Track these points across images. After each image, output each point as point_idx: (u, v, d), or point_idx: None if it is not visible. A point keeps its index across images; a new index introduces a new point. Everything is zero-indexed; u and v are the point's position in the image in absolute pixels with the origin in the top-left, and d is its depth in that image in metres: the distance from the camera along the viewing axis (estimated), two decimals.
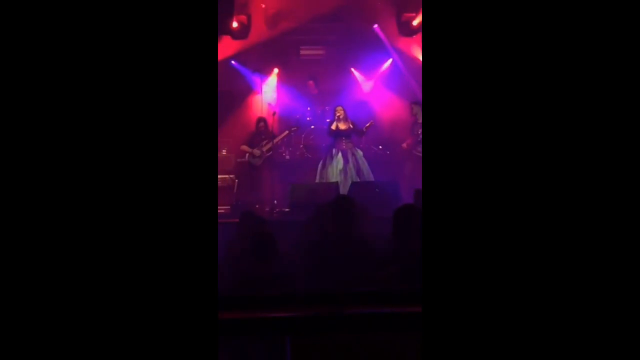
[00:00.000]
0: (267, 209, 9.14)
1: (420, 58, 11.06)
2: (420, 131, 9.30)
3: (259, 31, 10.80)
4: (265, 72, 11.24)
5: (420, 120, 9.51)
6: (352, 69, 11.32)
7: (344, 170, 9.17)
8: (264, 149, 9.98)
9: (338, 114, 9.31)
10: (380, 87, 11.34)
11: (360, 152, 9.43)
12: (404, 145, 9.78)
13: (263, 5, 10.83)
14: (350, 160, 9.25)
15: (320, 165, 9.46)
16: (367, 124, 9.31)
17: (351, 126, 9.35)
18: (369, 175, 9.22)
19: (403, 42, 11.07)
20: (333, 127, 9.29)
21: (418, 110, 9.50)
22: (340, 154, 9.27)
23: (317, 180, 9.35)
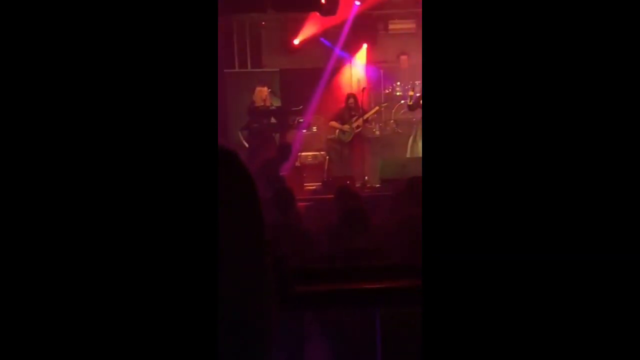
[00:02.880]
0: (357, 185, 9.17)
1: None
2: None
3: (348, 6, 10.77)
4: (354, 48, 11.21)
5: None
6: None
7: None
8: (354, 125, 9.99)
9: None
10: None
11: None
12: None
13: None
14: None
15: (410, 140, 9.40)
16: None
17: None
18: None
19: None
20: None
21: None
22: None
23: (407, 156, 9.30)
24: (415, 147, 9.31)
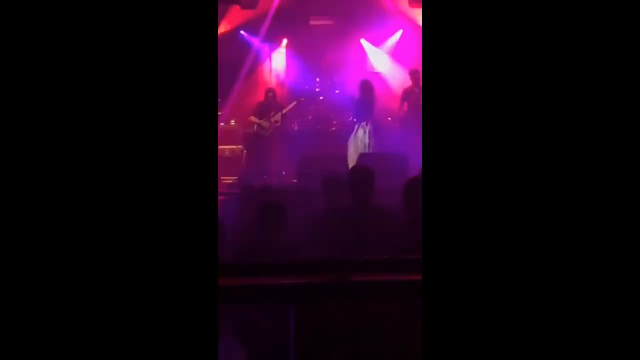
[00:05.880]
0: (275, 180, 9.14)
1: None
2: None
3: (268, 0, 10.71)
4: (274, 42, 11.16)
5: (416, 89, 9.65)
6: (362, 40, 11.23)
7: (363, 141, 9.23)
8: (273, 120, 9.96)
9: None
10: (389, 58, 11.26)
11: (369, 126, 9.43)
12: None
13: None
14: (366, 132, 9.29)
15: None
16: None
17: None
18: (372, 149, 9.24)
19: (413, 13, 10.98)
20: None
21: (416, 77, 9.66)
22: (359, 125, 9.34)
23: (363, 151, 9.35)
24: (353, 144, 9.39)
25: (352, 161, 8.58)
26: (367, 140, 9.21)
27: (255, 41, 11.12)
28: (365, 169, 4.57)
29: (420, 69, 9.93)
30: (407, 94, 9.88)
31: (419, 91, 9.66)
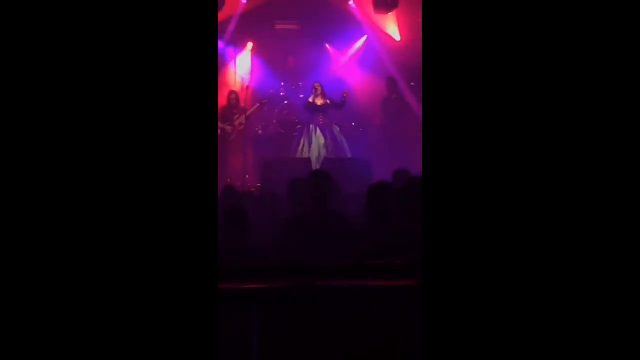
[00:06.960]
0: (239, 184, 9.10)
1: (394, 35, 11.09)
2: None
3: (234, 3, 10.67)
4: (239, 46, 11.12)
5: (393, 96, 9.88)
6: (327, 45, 11.25)
7: (325, 145, 9.27)
8: (236, 123, 9.92)
9: (315, 90, 9.43)
10: (355, 63, 11.29)
11: (337, 128, 9.50)
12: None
13: None
14: (328, 136, 9.33)
15: (301, 141, 9.50)
16: (343, 94, 9.45)
17: (328, 102, 9.45)
18: (347, 152, 9.31)
19: (378, 19, 11.05)
20: (310, 99, 9.39)
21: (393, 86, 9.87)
22: (318, 129, 9.36)
23: (298, 156, 9.39)
24: (304, 148, 9.39)
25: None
26: (341, 142, 9.32)
27: (220, 44, 11.05)
28: (324, 173, 4.58)
29: (391, 75, 10.14)
30: (385, 101, 10.03)
31: (396, 98, 9.85)
